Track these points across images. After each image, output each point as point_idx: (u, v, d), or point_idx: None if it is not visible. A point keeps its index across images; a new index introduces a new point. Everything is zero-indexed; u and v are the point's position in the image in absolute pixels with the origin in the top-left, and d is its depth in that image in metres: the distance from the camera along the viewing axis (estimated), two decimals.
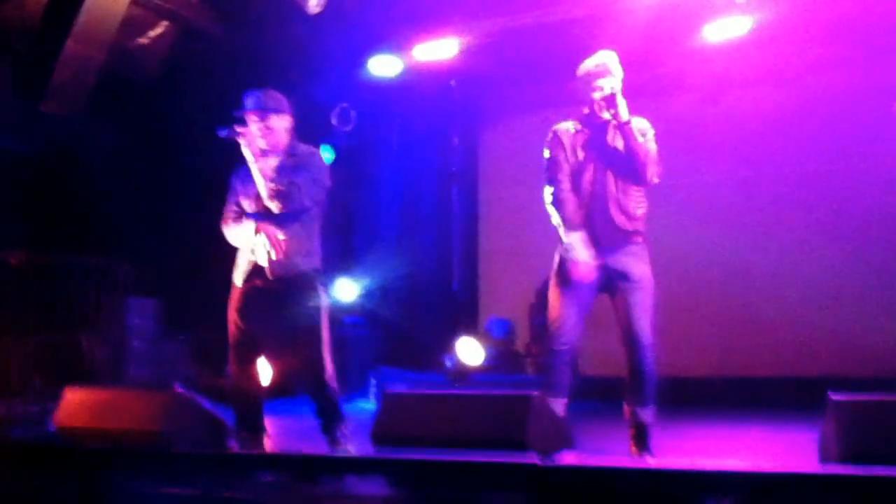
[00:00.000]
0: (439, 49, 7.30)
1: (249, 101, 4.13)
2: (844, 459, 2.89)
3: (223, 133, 4.03)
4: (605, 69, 4.03)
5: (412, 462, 2.95)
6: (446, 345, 7.83)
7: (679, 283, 7.40)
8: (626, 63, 4.14)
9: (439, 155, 9.05)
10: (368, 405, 7.18)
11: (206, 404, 3.64)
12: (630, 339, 3.92)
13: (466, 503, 2.82)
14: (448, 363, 7.65)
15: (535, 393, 3.24)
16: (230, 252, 4.26)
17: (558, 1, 6.61)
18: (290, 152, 4.17)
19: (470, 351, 7.56)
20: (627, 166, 3.94)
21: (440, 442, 3.14)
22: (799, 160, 7.15)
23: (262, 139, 4.07)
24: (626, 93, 4.03)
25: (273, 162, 4.09)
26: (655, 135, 4.04)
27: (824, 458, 3.10)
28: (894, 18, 6.25)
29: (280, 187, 4.00)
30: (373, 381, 7.52)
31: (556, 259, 4.06)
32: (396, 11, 7.02)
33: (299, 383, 4.78)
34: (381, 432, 3.24)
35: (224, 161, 4.36)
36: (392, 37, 7.39)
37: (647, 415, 3.96)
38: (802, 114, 7.03)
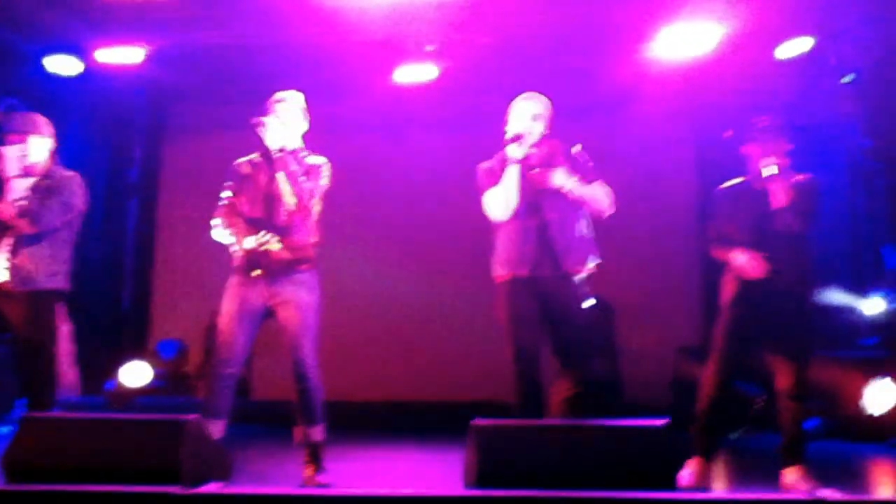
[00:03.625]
0: (124, 55, 6.93)
1: (10, 123, 4.29)
2: (481, 482, 3.11)
3: None
4: (282, 99, 4.20)
5: (37, 494, 2.72)
6: (112, 366, 7.40)
7: (347, 311, 7.61)
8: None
9: (119, 165, 8.57)
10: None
11: None
12: (294, 360, 4.06)
13: None
14: (110, 385, 7.22)
15: (191, 417, 3.17)
16: None
17: (250, 24, 6.57)
18: (47, 174, 4.33)
19: (134, 373, 7.19)
20: (289, 200, 4.08)
21: (84, 472, 2.94)
22: (466, 201, 7.69)
23: (19, 160, 4.25)
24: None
25: (28, 182, 4.26)
26: (331, 170, 4.23)
27: (467, 481, 3.29)
28: (567, 75, 6.95)
29: (29, 206, 4.17)
30: (21, 405, 6.87)
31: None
32: (77, 7, 6.57)
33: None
34: (15, 461, 2.98)
35: None
36: (71, 35, 6.89)
37: (316, 433, 4.10)
38: (473, 159, 7.59)
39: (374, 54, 6.92)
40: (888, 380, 6.02)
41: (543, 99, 4.20)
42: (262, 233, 4.02)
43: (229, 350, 4.01)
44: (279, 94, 4.22)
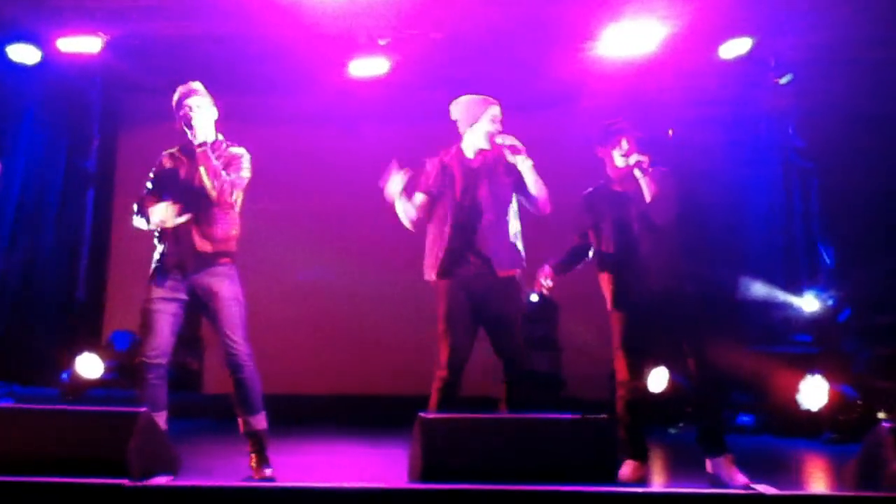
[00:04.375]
0: (81, 44, 6.88)
1: None
2: (427, 476, 3.18)
3: None
4: (194, 91, 4.17)
5: None
6: (65, 357, 7.34)
7: (294, 304, 7.70)
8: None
9: (76, 154, 8.48)
10: None
11: None
12: (227, 352, 4.11)
13: None
14: (64, 377, 7.17)
15: (141, 410, 3.20)
16: None
17: (207, 15, 6.57)
18: None
19: (87, 364, 7.16)
20: (210, 193, 4.09)
21: (32, 463, 2.97)
22: None
23: None
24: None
25: None
26: (251, 160, 4.25)
27: (412, 475, 3.37)
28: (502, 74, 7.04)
29: None
30: None
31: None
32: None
33: None
34: None
35: None
36: (29, 24, 6.82)
37: (258, 421, 4.14)
38: (423, 152, 7.69)
39: (327, 47, 6.96)
40: (821, 376, 6.16)
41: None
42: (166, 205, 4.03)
43: (153, 341, 4.02)
44: (192, 85, 4.18)
